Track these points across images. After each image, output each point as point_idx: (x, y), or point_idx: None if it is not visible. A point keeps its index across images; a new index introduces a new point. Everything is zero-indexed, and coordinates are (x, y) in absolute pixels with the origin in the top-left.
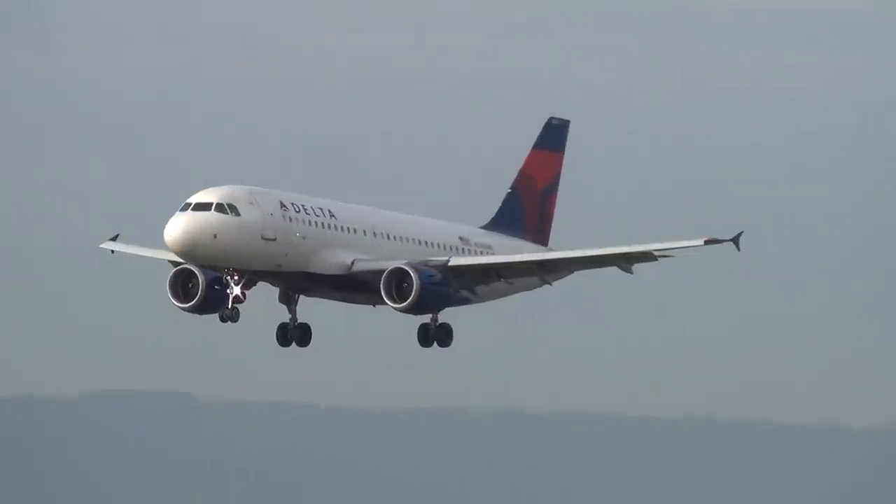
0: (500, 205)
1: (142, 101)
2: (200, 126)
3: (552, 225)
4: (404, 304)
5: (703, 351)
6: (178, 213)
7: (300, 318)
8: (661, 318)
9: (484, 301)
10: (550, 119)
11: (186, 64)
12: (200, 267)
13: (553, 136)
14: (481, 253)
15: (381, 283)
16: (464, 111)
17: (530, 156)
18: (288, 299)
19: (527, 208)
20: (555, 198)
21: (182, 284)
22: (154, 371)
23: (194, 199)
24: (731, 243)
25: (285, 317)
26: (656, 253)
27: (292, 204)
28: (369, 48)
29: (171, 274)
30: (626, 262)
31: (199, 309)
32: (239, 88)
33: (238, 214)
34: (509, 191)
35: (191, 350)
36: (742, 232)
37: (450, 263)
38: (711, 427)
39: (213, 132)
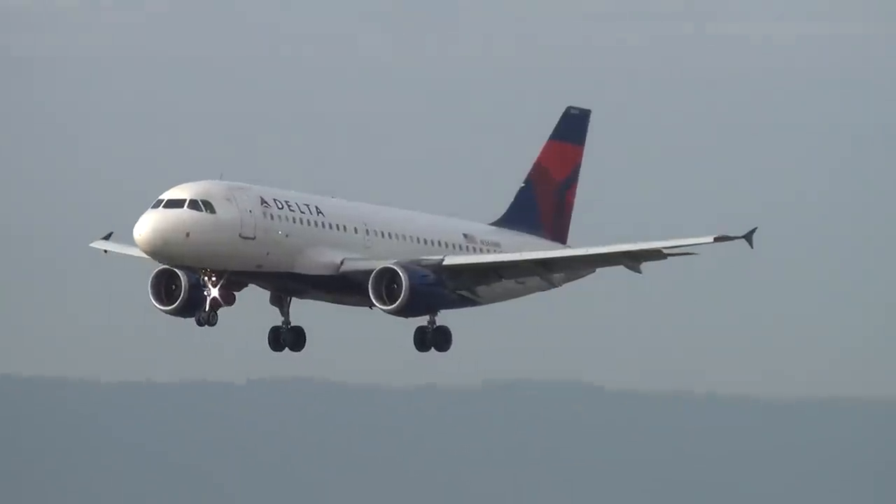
0: (512, 200)
1: (140, 97)
2: (200, 122)
3: (571, 221)
4: (393, 305)
5: (714, 351)
6: (149, 210)
7: (293, 321)
8: (672, 317)
9: (491, 302)
10: (569, 108)
11: (185, 58)
12: (175, 268)
13: (572, 126)
14: (488, 251)
15: (370, 283)
16: (474, 101)
17: (546, 147)
18: (280, 301)
19: (542, 203)
20: (574, 192)
21: (165, 286)
22: (138, 368)
23: (167, 195)
24: (745, 241)
25: (278, 319)
26: (665, 251)
27: (275, 200)
28: (375, 35)
29: (153, 275)
30: (633, 260)
31: (182, 312)
32: (237, 83)
33: (213, 212)
34: (522, 185)
35: (174, 354)
36: (756, 228)
37: (444, 263)
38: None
39: (212, 128)
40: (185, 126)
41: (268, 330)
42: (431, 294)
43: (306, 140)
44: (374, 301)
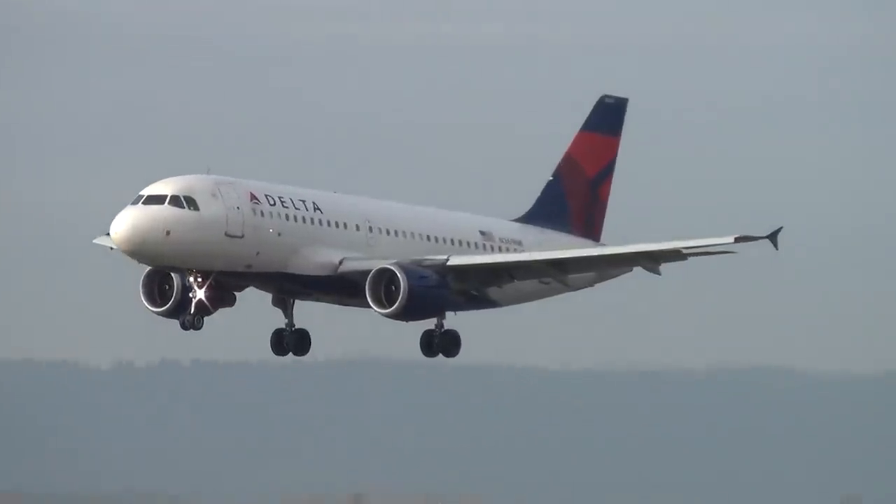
0: (539, 194)
1: (142, 94)
2: (204, 118)
3: (606, 217)
4: (390, 309)
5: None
6: (128, 206)
7: (297, 324)
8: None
9: (513, 304)
10: (603, 97)
11: (187, 52)
12: (157, 268)
13: (606, 116)
14: (507, 250)
15: (367, 285)
16: (500, 88)
17: (578, 139)
18: (283, 303)
19: (572, 198)
20: (608, 187)
21: (159, 286)
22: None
23: (147, 190)
24: (769, 241)
25: (281, 322)
26: (685, 251)
27: (266, 196)
28: (387, 15)
29: (144, 274)
30: (651, 261)
31: (174, 313)
32: (242, 76)
33: (196, 208)
34: (550, 178)
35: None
36: (781, 228)
37: (449, 263)
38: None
39: (216, 124)
40: (184, 122)
41: (270, 333)
42: (433, 296)
43: (307, 134)
44: (371, 304)
